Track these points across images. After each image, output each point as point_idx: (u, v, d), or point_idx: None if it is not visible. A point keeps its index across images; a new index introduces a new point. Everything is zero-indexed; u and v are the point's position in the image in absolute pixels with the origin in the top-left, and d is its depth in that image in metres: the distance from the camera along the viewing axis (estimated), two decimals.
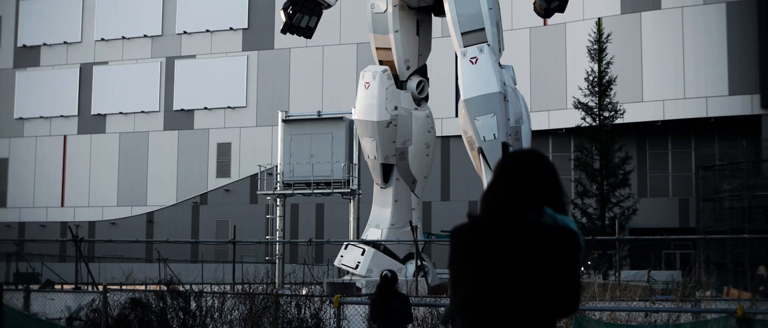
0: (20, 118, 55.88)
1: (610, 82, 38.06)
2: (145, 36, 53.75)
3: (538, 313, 2.97)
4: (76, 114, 54.69)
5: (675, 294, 15.04)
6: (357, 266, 22.01)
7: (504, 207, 3.01)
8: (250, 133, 50.94)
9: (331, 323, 14.04)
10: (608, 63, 38.32)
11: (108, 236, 45.11)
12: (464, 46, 20.79)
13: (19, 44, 56.31)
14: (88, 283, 24.19)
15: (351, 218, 29.98)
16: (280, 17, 23.69)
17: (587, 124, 38.14)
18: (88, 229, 50.59)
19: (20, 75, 56.14)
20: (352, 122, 28.38)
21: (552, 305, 2.98)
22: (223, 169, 51.54)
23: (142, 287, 21.38)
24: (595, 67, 38.37)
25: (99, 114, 54.23)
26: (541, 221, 2.98)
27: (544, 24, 43.31)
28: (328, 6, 23.22)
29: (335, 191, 30.37)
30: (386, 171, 22.78)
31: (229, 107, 51.59)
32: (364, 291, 20.75)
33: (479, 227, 3.04)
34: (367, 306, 12.64)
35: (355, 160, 30.48)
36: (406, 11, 22.86)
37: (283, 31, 23.11)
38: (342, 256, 22.58)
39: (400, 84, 22.91)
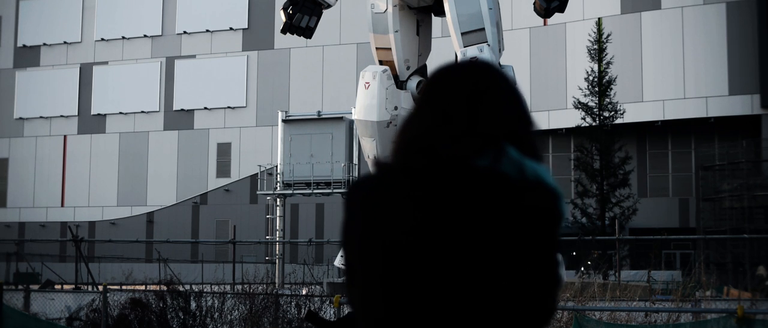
0: (20, 118, 55.88)
1: (610, 82, 38.08)
2: (145, 36, 53.74)
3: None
4: (76, 114, 54.69)
5: (675, 294, 15.04)
6: None
7: (436, 144, 1.78)
8: (250, 133, 50.94)
9: None
10: (608, 63, 38.33)
11: (108, 236, 45.10)
12: (464, 46, 20.74)
13: (19, 44, 56.31)
14: (88, 283, 24.20)
15: None
16: (280, 17, 23.66)
17: (587, 124, 38.15)
18: (88, 229, 50.58)
19: (20, 75, 56.13)
20: (352, 122, 28.38)
21: (513, 313, 1.76)
22: (223, 169, 51.54)
23: (142, 287, 21.37)
24: (595, 67, 38.38)
25: (99, 114, 54.23)
26: (499, 169, 1.76)
27: (544, 24, 43.31)
28: (328, 6, 23.16)
29: (335, 191, 30.37)
30: None
31: (229, 107, 51.59)
32: None
33: (393, 178, 1.81)
34: None
35: (355, 160, 30.48)
36: (406, 11, 22.84)
37: (283, 31, 23.03)
38: (342, 256, 22.57)
39: (400, 84, 22.87)
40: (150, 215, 52.34)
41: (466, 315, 1.73)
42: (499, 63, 20.76)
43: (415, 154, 1.79)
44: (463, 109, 1.81)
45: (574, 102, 39.08)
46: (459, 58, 20.90)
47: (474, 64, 1.92)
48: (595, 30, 39.04)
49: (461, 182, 1.73)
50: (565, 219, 1.95)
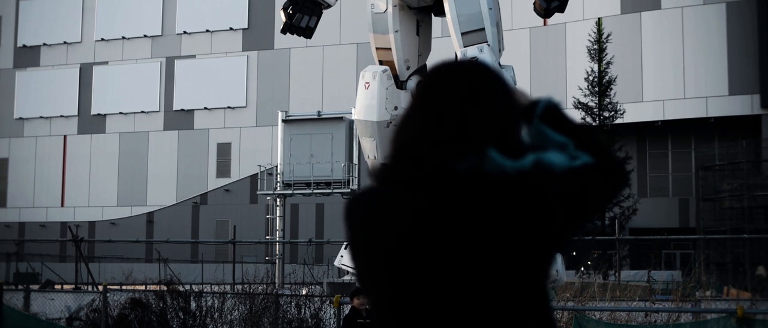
0: (20, 118, 55.88)
1: (610, 82, 38.09)
2: (145, 36, 53.75)
3: None
4: (76, 114, 54.69)
5: (675, 294, 15.04)
6: None
7: (424, 153, 1.85)
8: (250, 133, 50.94)
9: (331, 323, 14.04)
10: (608, 63, 38.34)
11: (108, 236, 45.10)
12: (464, 46, 20.79)
13: (19, 44, 56.31)
14: (88, 283, 24.20)
15: None
16: (280, 17, 23.68)
17: (587, 125, 38.14)
18: (88, 229, 50.56)
19: (20, 75, 56.13)
20: (352, 122, 28.38)
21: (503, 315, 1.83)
22: (223, 169, 51.54)
23: (142, 287, 21.38)
24: (595, 67, 38.39)
25: (99, 114, 54.24)
26: (480, 170, 1.82)
27: (544, 24, 43.31)
28: (328, 6, 23.21)
29: (335, 191, 30.37)
30: None
31: (229, 107, 51.60)
32: (351, 292, 20.72)
33: (391, 191, 1.88)
34: (366, 306, 12.61)
35: (355, 160, 30.49)
36: (406, 11, 22.86)
37: (283, 31, 23.09)
38: (342, 256, 22.55)
39: (400, 84, 22.90)
40: (150, 215, 52.34)
41: (470, 314, 1.81)
42: (499, 63, 20.79)
43: (404, 165, 1.87)
44: (455, 112, 1.86)
45: (574, 102, 39.08)
46: (459, 58, 20.88)
47: (469, 65, 1.95)
48: (595, 30, 39.05)
49: (444, 188, 1.80)
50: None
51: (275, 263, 29.72)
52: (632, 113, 40.67)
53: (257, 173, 37.56)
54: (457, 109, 1.87)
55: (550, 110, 1.98)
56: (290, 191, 30.72)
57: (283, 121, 30.92)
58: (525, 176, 1.81)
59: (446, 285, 1.82)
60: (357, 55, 47.01)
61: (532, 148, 1.89)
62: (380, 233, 1.86)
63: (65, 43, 55.37)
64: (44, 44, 55.83)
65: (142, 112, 53.26)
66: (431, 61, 24.35)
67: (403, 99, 23.22)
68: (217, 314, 15.02)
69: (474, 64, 1.96)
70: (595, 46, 38.52)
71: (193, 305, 15.12)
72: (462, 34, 20.74)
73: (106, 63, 54.52)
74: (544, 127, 1.95)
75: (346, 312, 11.24)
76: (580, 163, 1.89)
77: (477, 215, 1.79)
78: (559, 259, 20.21)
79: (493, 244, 1.80)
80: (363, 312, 10.41)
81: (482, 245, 1.80)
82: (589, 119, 38.13)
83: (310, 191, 30.74)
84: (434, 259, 1.82)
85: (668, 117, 42.46)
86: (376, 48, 23.00)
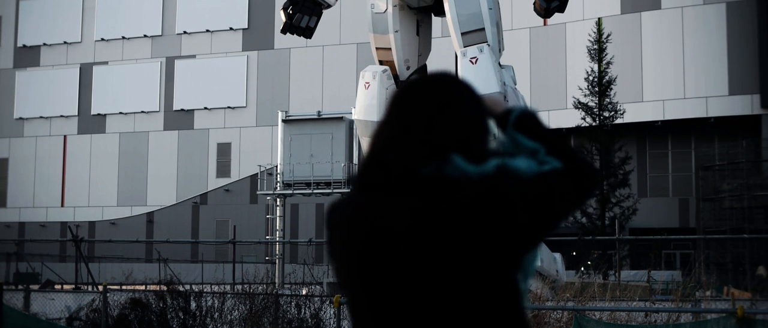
0: (20, 118, 55.89)
1: (610, 82, 38.09)
2: (145, 36, 53.76)
3: None
4: (76, 114, 54.70)
5: (675, 294, 15.03)
6: None
7: (392, 160, 1.97)
8: (250, 133, 50.95)
9: (331, 323, 14.04)
10: (608, 63, 38.34)
11: (108, 236, 45.10)
12: (464, 46, 20.79)
13: (19, 44, 56.32)
14: (88, 283, 24.20)
15: None
16: (280, 17, 23.67)
17: (587, 124, 38.16)
18: (88, 229, 50.56)
19: (20, 75, 56.14)
20: (352, 122, 28.38)
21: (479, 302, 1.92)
22: (223, 169, 51.54)
23: (142, 287, 21.37)
24: (595, 67, 38.39)
25: (99, 114, 54.24)
26: (444, 174, 1.93)
27: (544, 24, 43.31)
28: (328, 6, 23.21)
29: (335, 191, 30.37)
30: None
31: (229, 107, 51.60)
32: None
33: (363, 195, 2.01)
34: None
35: (355, 160, 30.48)
36: (406, 11, 22.86)
37: (283, 31, 23.09)
38: None
39: (400, 84, 22.89)
40: (150, 215, 52.35)
41: (436, 312, 1.92)
42: (499, 63, 20.80)
43: (374, 170, 2.00)
44: (422, 121, 1.98)
45: (574, 102, 39.08)
46: (459, 58, 20.94)
47: (439, 77, 2.08)
48: (595, 30, 39.04)
49: (408, 190, 1.92)
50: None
51: (275, 263, 29.72)
52: (632, 113, 40.68)
53: (257, 173, 37.57)
54: (424, 117, 1.98)
55: (524, 118, 2.09)
56: (290, 191, 30.73)
57: (283, 121, 30.92)
58: (488, 180, 1.91)
59: (413, 283, 1.91)
60: (357, 55, 47.01)
61: (498, 154, 2.00)
62: (351, 235, 2.00)
63: (65, 43, 55.38)
64: (44, 44, 55.83)
65: (142, 112, 53.27)
66: (431, 61, 24.35)
67: None
68: (217, 314, 15.02)
69: (444, 76, 2.08)
70: (595, 46, 38.52)
71: (193, 305, 15.12)
72: (462, 34, 20.73)
73: (106, 63, 54.53)
74: (517, 134, 2.06)
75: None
76: (549, 167, 1.98)
77: (440, 216, 1.89)
78: (559, 259, 20.19)
79: (456, 244, 1.89)
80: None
81: (446, 245, 1.89)
82: (589, 119, 38.14)
83: (310, 191, 30.74)
84: (401, 258, 1.92)
85: (668, 117, 42.46)
86: (376, 48, 22.99)
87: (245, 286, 16.94)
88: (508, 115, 2.10)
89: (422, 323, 1.92)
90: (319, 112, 32.26)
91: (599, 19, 40.30)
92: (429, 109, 2.00)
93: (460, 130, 1.98)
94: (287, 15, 22.76)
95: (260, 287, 15.96)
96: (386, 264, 1.93)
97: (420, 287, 1.91)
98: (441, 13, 22.45)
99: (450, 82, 2.06)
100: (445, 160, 1.92)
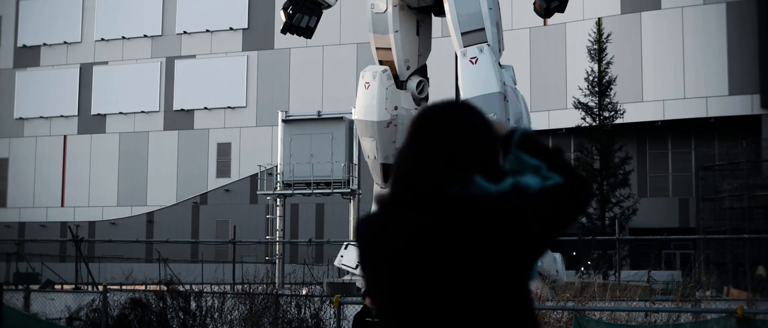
0: (20, 118, 55.89)
1: (610, 82, 38.10)
2: (145, 36, 53.76)
3: None
4: (76, 114, 54.70)
5: (675, 294, 15.02)
6: (357, 266, 22.00)
7: (419, 180, 2.23)
8: (250, 133, 50.95)
9: (331, 323, 14.04)
10: (608, 63, 38.34)
11: (108, 236, 45.10)
12: (464, 46, 20.77)
13: (19, 44, 56.32)
14: (88, 283, 24.20)
15: (351, 218, 29.98)
16: (280, 17, 23.67)
17: (587, 124, 38.17)
18: (88, 229, 50.56)
19: (20, 75, 56.14)
20: (352, 122, 28.37)
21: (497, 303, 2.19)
22: (223, 169, 51.55)
23: (142, 287, 21.37)
24: (595, 67, 38.40)
25: (99, 114, 54.25)
26: (468, 193, 2.19)
27: (544, 24, 43.31)
28: (328, 6, 23.21)
29: (335, 191, 30.37)
30: (386, 171, 22.75)
31: (229, 107, 51.61)
32: (363, 291, 20.71)
33: (389, 212, 2.27)
34: None
35: (355, 160, 30.48)
36: (406, 11, 22.85)
37: (283, 31, 23.09)
38: (342, 256, 22.57)
39: (400, 84, 22.89)
40: (150, 215, 52.34)
41: (459, 314, 2.16)
42: (499, 63, 20.79)
43: (404, 189, 2.25)
44: (445, 146, 2.25)
45: (574, 102, 39.09)
46: (459, 58, 20.93)
47: (456, 106, 2.34)
48: (595, 30, 39.05)
49: (438, 207, 2.18)
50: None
51: (275, 263, 29.72)
52: (632, 113, 40.68)
53: (257, 173, 37.56)
54: (446, 142, 2.25)
55: (525, 139, 2.35)
56: (290, 191, 30.72)
57: (283, 121, 30.91)
58: (505, 197, 2.18)
59: (438, 290, 2.17)
60: (357, 55, 47.01)
61: (511, 173, 2.27)
62: (382, 247, 2.25)
63: (65, 43, 55.38)
64: (44, 44, 55.83)
65: (142, 112, 53.27)
66: (431, 61, 24.35)
67: (403, 99, 23.19)
68: (217, 314, 15.02)
69: (459, 104, 2.35)
70: (595, 46, 38.53)
71: (193, 305, 15.12)
72: (462, 34, 20.72)
73: (106, 63, 54.53)
74: (520, 153, 2.32)
75: (357, 311, 11.38)
76: (552, 183, 2.25)
77: (465, 230, 2.15)
78: (559, 259, 20.19)
79: (478, 254, 2.16)
80: (373, 312, 10.72)
81: (469, 255, 2.16)
82: (589, 119, 38.15)
83: (310, 191, 30.74)
84: (427, 267, 2.17)
85: (668, 117, 42.46)
86: (376, 48, 22.97)
87: (245, 286, 16.94)
88: (512, 136, 2.35)
89: (445, 320, 2.18)
90: (319, 112, 32.25)
91: (599, 19, 40.30)
92: (450, 134, 2.26)
93: (479, 153, 2.25)
94: (287, 15, 22.76)
95: (260, 287, 15.96)
96: (414, 274, 2.19)
97: (446, 295, 2.17)
98: (441, 13, 22.44)
99: (465, 109, 2.33)
100: (470, 180, 2.19)
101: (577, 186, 2.28)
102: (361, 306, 11.32)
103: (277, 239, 30.45)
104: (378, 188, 23.20)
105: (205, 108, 51.93)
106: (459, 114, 2.31)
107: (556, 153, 2.33)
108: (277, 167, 31.59)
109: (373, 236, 2.29)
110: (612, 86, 38.11)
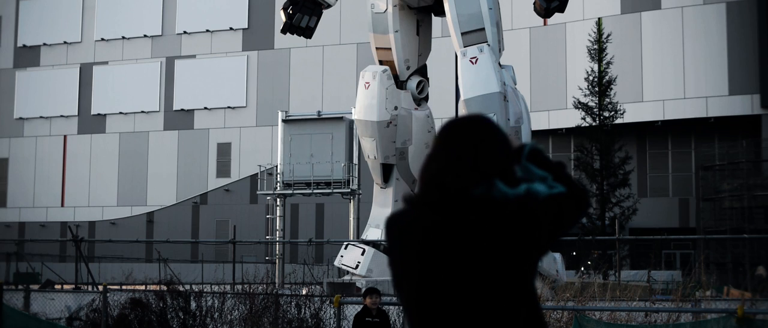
0: (20, 118, 55.89)
1: (610, 82, 38.10)
2: (145, 36, 53.76)
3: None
4: (76, 114, 54.70)
5: (675, 294, 15.03)
6: (357, 266, 22.00)
7: (447, 182, 2.53)
8: (250, 133, 50.95)
9: (331, 323, 14.04)
10: (608, 63, 38.35)
11: (108, 236, 45.10)
12: (464, 46, 20.77)
13: (19, 44, 56.32)
14: (88, 283, 24.19)
15: (351, 218, 29.98)
16: (280, 17, 23.67)
17: (587, 124, 38.17)
18: (88, 229, 50.58)
19: (20, 75, 56.15)
20: (352, 122, 28.37)
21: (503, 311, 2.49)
22: (223, 169, 51.54)
23: (142, 287, 21.37)
24: (595, 67, 38.41)
25: (99, 114, 54.25)
26: (490, 195, 2.50)
27: (544, 24, 43.31)
28: (328, 6, 23.20)
29: (335, 191, 30.37)
30: (386, 171, 22.77)
31: (229, 107, 51.61)
32: (363, 291, 20.69)
33: (419, 210, 2.57)
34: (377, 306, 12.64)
35: (355, 160, 30.48)
36: (406, 11, 22.85)
37: (283, 31, 23.09)
38: (342, 256, 22.56)
39: (400, 84, 22.89)
40: (150, 215, 52.35)
41: (476, 303, 2.47)
42: (499, 63, 20.78)
43: (432, 190, 2.55)
44: (470, 153, 2.55)
45: (574, 102, 39.09)
46: (459, 58, 20.92)
47: (479, 119, 2.66)
48: (595, 30, 39.05)
49: (463, 207, 2.49)
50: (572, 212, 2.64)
51: (275, 263, 29.73)
52: (632, 113, 40.68)
53: (257, 173, 37.56)
54: (471, 151, 2.55)
55: (534, 152, 2.66)
56: (290, 191, 30.72)
57: (283, 121, 30.92)
58: (520, 199, 2.49)
59: (457, 279, 2.47)
60: (357, 55, 47.01)
61: (524, 180, 2.57)
62: (409, 241, 2.54)
63: (65, 43, 55.38)
64: (44, 44, 55.83)
65: (142, 112, 53.27)
66: (431, 61, 24.35)
67: (403, 99, 23.19)
68: (217, 314, 15.02)
69: (482, 118, 2.67)
70: (595, 46, 38.53)
71: (193, 305, 15.13)
72: (462, 34, 20.72)
73: (106, 63, 54.53)
74: (529, 164, 2.62)
75: (357, 310, 11.41)
76: (557, 191, 2.56)
77: (487, 227, 2.46)
78: (559, 259, 20.19)
79: (495, 248, 2.46)
80: (373, 311, 10.81)
81: (487, 249, 2.46)
82: (589, 119, 38.15)
83: (310, 191, 30.74)
84: (447, 259, 2.48)
85: (668, 117, 42.46)
86: (376, 48, 22.97)
87: (245, 286, 16.95)
88: (523, 150, 2.66)
89: (467, 315, 2.47)
90: (319, 112, 32.25)
91: (599, 19, 40.31)
92: (474, 143, 2.57)
93: (499, 161, 2.56)
94: (287, 15, 22.76)
95: (260, 287, 15.97)
96: (437, 266, 2.48)
97: (463, 285, 2.47)
98: (441, 13, 22.44)
99: (488, 123, 2.65)
100: (491, 183, 2.50)
101: (578, 196, 2.62)
102: (361, 306, 11.35)
103: (277, 239, 30.45)
104: (378, 187, 23.21)
105: (205, 108, 51.93)
106: (483, 126, 2.62)
107: (560, 166, 2.65)
108: (277, 166, 31.59)
109: (400, 232, 2.58)
110: (612, 86, 38.11)
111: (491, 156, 2.56)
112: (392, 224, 2.62)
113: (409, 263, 2.54)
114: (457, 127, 2.65)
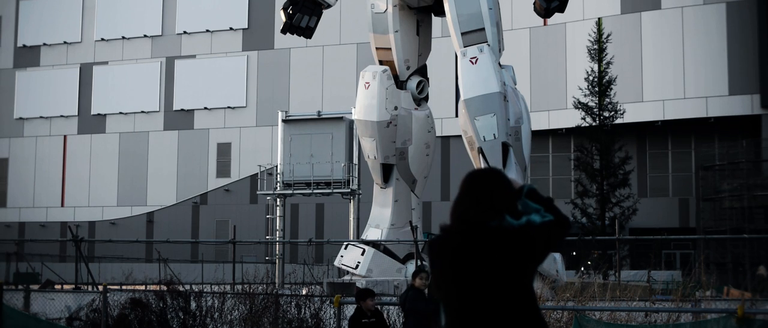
0: (20, 118, 55.89)
1: (610, 82, 38.10)
2: (145, 36, 53.76)
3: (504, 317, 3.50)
4: (76, 114, 54.71)
5: (675, 294, 15.02)
6: (357, 266, 22.00)
7: (471, 217, 3.56)
8: (250, 133, 50.96)
9: (331, 323, 14.04)
10: (608, 63, 38.35)
11: (108, 236, 45.10)
12: (464, 46, 20.76)
13: (19, 44, 56.32)
14: (88, 283, 24.17)
15: (351, 218, 29.98)
16: (280, 17, 23.67)
17: (587, 124, 38.16)
18: (88, 229, 50.59)
19: (20, 75, 56.15)
20: (352, 122, 28.37)
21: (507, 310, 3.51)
22: (223, 169, 51.55)
23: (142, 287, 21.37)
24: (595, 67, 38.40)
25: (99, 114, 54.25)
26: (502, 226, 3.52)
27: (544, 24, 43.32)
28: (328, 6, 23.20)
29: (335, 191, 30.37)
30: (386, 171, 22.76)
31: (229, 107, 51.61)
32: (356, 293, 20.65)
33: (451, 235, 3.60)
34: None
35: (355, 160, 30.48)
36: (406, 11, 22.84)
37: (283, 31, 23.09)
38: (342, 256, 22.57)
39: (400, 84, 22.89)
40: (150, 215, 52.35)
41: (488, 308, 3.53)
42: (500, 63, 20.77)
43: (460, 222, 3.62)
44: (487, 197, 3.59)
45: (574, 102, 39.09)
46: (459, 59, 20.92)
47: (491, 172, 3.73)
48: (595, 30, 39.05)
49: (481, 235, 3.55)
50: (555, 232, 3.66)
51: (275, 263, 29.73)
52: (632, 113, 40.68)
53: (257, 173, 37.56)
54: (488, 195, 3.60)
55: (530, 191, 3.67)
56: (290, 191, 30.72)
57: (283, 121, 30.91)
58: (522, 228, 3.54)
59: (479, 284, 3.54)
60: (357, 55, 47.02)
61: (524, 213, 3.58)
62: (444, 257, 3.62)
63: (65, 43, 55.38)
64: (44, 44, 55.84)
65: (142, 112, 53.27)
66: (431, 61, 24.34)
67: (403, 99, 23.19)
68: (217, 314, 15.02)
69: (495, 171, 3.75)
70: (595, 46, 38.53)
71: (193, 305, 15.12)
72: (462, 34, 20.70)
73: (106, 63, 54.53)
74: (526, 200, 3.63)
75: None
76: (547, 220, 3.57)
77: (499, 248, 3.52)
78: (559, 259, 20.18)
79: (505, 263, 3.52)
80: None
81: (500, 263, 3.51)
82: (589, 119, 38.14)
83: (310, 191, 30.74)
84: (473, 270, 3.54)
85: (668, 117, 42.45)
86: (376, 48, 22.96)
87: (245, 286, 16.94)
88: (522, 189, 3.66)
89: (486, 309, 3.50)
90: (319, 112, 32.24)
91: (599, 19, 40.31)
92: (489, 189, 3.62)
93: (507, 201, 3.60)
94: (287, 15, 22.75)
95: (260, 287, 15.97)
96: (465, 276, 3.54)
97: (485, 288, 3.52)
98: (441, 13, 22.43)
99: (498, 173, 3.71)
100: (502, 217, 3.55)
101: (562, 222, 3.62)
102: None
103: (277, 239, 30.45)
104: (378, 187, 23.20)
105: (205, 108, 51.94)
106: (495, 177, 3.67)
107: (549, 200, 3.64)
108: (277, 166, 31.59)
109: (438, 251, 3.64)
110: (612, 86, 38.11)
111: (501, 198, 3.58)
112: (433, 245, 3.69)
113: (444, 273, 3.61)
114: (477, 177, 3.70)
